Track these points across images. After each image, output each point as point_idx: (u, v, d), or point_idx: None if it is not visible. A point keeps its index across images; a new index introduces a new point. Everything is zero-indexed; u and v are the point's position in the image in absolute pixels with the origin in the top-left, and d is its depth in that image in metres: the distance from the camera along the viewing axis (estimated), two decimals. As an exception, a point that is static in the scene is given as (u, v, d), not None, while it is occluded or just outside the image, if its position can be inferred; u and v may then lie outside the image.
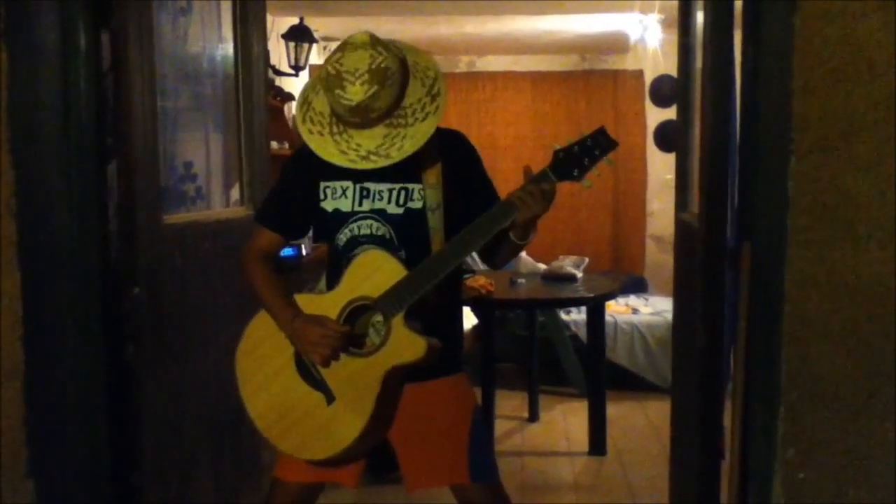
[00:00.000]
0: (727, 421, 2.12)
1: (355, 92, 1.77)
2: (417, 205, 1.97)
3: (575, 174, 1.87)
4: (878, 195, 1.84)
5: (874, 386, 1.86)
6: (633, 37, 5.84)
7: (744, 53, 1.96)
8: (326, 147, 1.87)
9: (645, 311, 5.55)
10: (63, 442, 2.06)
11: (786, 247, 1.87)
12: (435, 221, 1.96)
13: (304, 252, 4.66)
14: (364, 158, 1.83)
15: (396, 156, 1.83)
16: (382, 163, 1.83)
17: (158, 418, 2.32)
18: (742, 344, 1.97)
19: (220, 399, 2.46)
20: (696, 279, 2.31)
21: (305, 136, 1.90)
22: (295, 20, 5.57)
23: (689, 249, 2.64)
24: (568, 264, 4.83)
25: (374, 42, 1.81)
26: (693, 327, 2.32)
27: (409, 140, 1.83)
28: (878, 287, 1.85)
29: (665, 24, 5.49)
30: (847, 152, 1.85)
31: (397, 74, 1.81)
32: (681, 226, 2.95)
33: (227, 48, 2.98)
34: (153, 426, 2.28)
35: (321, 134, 1.88)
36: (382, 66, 1.78)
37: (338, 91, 1.79)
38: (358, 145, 1.84)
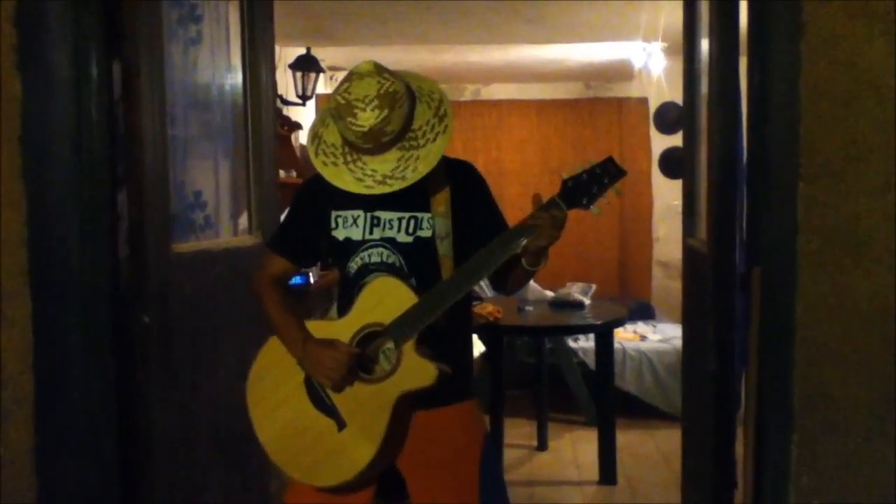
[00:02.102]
0: (739, 448, 2.10)
1: (367, 118, 1.79)
2: (427, 233, 1.98)
3: (584, 202, 1.87)
4: (886, 218, 1.84)
5: (887, 411, 1.85)
6: (637, 64, 5.88)
7: (750, 78, 1.97)
8: (342, 176, 1.88)
9: (653, 338, 5.52)
10: (73, 469, 2.05)
11: (796, 271, 1.86)
12: (444, 249, 1.97)
13: (311, 280, 4.67)
14: (380, 183, 1.84)
15: (412, 177, 1.83)
16: (398, 185, 1.84)
17: (168, 445, 2.31)
18: (754, 370, 1.96)
19: (229, 426, 2.45)
20: (705, 305, 2.30)
21: (320, 169, 1.91)
22: (302, 50, 5.63)
23: (697, 275, 2.63)
24: (576, 291, 4.82)
25: (379, 69, 1.83)
26: (703, 354, 2.31)
27: (423, 161, 1.84)
28: (888, 311, 1.84)
29: (668, 51, 5.53)
30: (855, 176, 1.85)
31: (405, 97, 1.83)
32: (689, 252, 2.94)
33: (236, 77, 3.00)
34: (162, 453, 2.27)
35: (335, 164, 1.89)
36: (391, 90, 1.80)
37: (349, 119, 1.80)
38: (373, 171, 1.85)
